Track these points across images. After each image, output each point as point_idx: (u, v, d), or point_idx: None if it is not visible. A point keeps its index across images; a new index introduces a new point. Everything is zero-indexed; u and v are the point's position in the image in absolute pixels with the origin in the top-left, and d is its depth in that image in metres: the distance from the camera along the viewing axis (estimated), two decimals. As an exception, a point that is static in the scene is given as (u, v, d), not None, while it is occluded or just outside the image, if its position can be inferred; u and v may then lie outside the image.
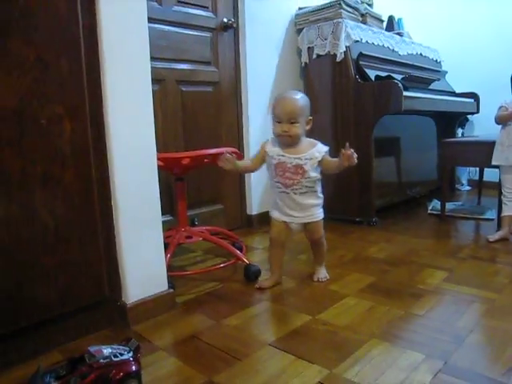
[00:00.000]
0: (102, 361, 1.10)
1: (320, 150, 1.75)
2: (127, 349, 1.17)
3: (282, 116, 1.70)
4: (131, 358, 1.15)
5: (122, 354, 1.14)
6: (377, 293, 1.74)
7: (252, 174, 2.78)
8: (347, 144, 1.66)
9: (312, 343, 1.37)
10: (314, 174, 1.74)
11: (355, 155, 1.65)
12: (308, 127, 1.76)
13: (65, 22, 1.26)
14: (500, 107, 2.53)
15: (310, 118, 1.77)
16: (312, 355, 1.29)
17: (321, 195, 1.83)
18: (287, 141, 1.72)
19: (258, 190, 2.85)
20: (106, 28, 1.35)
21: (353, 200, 2.86)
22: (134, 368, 1.13)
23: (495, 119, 2.52)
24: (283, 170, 1.73)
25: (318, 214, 1.83)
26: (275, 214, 1.84)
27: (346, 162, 1.66)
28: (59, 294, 1.32)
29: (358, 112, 2.75)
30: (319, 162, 1.73)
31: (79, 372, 1.08)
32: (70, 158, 1.29)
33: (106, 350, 1.13)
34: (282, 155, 1.73)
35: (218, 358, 1.30)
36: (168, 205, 2.28)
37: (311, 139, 1.79)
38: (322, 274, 1.92)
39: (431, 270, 1.97)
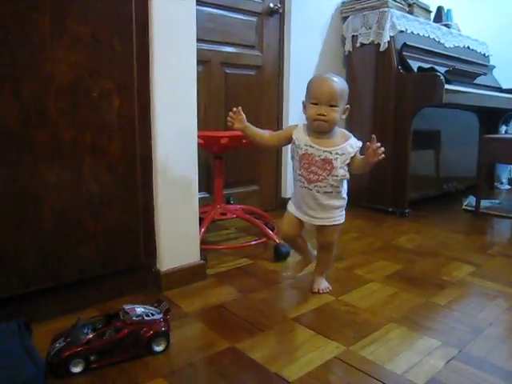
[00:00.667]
0: (134, 318, 1.21)
1: (353, 144, 1.50)
2: (158, 310, 1.27)
3: (320, 97, 1.45)
4: (161, 319, 1.25)
5: (153, 315, 1.24)
6: (401, 280, 1.78)
7: (288, 156, 2.82)
8: (373, 136, 1.43)
9: (332, 321, 1.43)
10: (343, 173, 1.49)
11: (382, 149, 1.42)
12: (344, 116, 1.52)
13: (118, 2, 1.34)
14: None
15: (348, 106, 1.52)
16: (331, 332, 1.35)
17: (345, 196, 1.57)
18: (322, 127, 1.46)
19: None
20: (156, 9, 1.44)
21: (387, 190, 2.88)
22: (163, 328, 1.23)
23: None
24: (309, 162, 1.49)
25: (340, 217, 1.58)
26: (292, 208, 1.62)
27: (371, 158, 1.43)
28: (100, 256, 1.43)
29: (398, 103, 2.75)
30: (351, 158, 1.49)
31: (114, 326, 1.19)
32: (116, 130, 1.39)
33: (139, 309, 1.23)
34: (311, 146, 1.48)
35: (241, 328, 1.38)
36: (205, 182, 2.37)
37: (344, 131, 1.55)
38: (323, 284, 1.68)
39: (458, 264, 1.99)
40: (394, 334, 1.36)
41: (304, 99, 1.52)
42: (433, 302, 1.60)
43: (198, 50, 1.63)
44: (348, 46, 2.98)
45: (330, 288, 1.66)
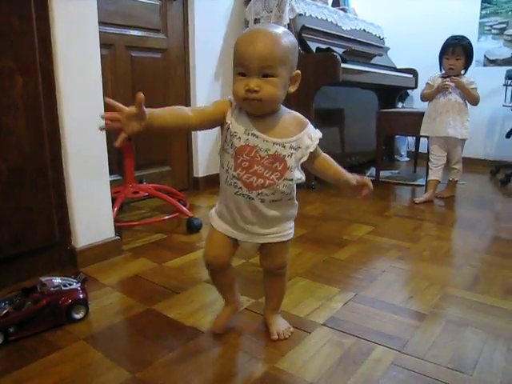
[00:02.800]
0: (52, 289, 1.25)
1: (313, 135, 1.08)
2: (75, 280, 1.32)
3: (248, 63, 0.96)
4: (79, 288, 1.29)
5: (70, 284, 1.29)
6: (306, 242, 1.94)
7: (198, 135, 2.91)
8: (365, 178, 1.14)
9: (241, 280, 1.54)
10: (299, 175, 1.08)
11: (370, 187, 1.13)
12: (293, 88, 1.06)
13: (14, -18, 1.35)
14: (426, 84, 2.76)
15: (298, 72, 1.04)
16: (241, 288, 1.46)
17: (296, 203, 1.16)
18: (255, 108, 1.01)
19: (204, 153, 2.97)
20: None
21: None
22: (81, 296, 1.28)
23: (420, 97, 2.77)
24: (251, 160, 1.02)
25: (288, 231, 1.17)
26: (219, 224, 1.15)
27: (358, 193, 1.14)
28: (13, 236, 1.44)
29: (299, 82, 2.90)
30: (310, 154, 1.08)
31: (32, 298, 1.22)
32: (22, 109, 1.40)
33: (56, 280, 1.28)
34: (253, 134, 1.02)
35: (157, 292, 1.46)
36: (116, 164, 2.38)
37: (297, 114, 1.11)
38: (281, 324, 1.24)
39: (358, 225, 2.19)
40: (299, 286, 1.50)
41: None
42: (334, 257, 1.76)
43: (102, 33, 1.66)
44: (251, 30, 3.09)
45: (291, 329, 1.24)
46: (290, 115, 1.08)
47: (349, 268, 1.67)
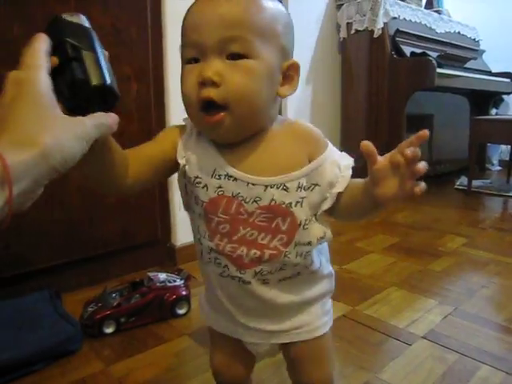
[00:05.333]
0: (158, 284, 1.32)
1: (339, 161, 0.65)
2: (179, 277, 1.39)
3: (200, 35, 0.58)
4: (182, 285, 1.36)
5: (174, 281, 1.36)
6: (399, 251, 1.91)
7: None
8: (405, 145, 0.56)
9: (337, 286, 1.55)
10: (320, 231, 0.66)
11: (422, 165, 0.53)
12: (289, 90, 0.66)
13: (134, -7, 1.44)
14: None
15: (295, 61, 0.67)
16: (337, 295, 1.46)
17: (327, 272, 0.75)
18: (221, 128, 0.59)
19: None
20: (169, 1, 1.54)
21: (382, 171, 3.00)
22: (184, 292, 1.35)
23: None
24: (233, 220, 0.63)
25: (321, 320, 0.75)
26: (214, 320, 0.76)
27: (399, 190, 0.54)
28: (119, 232, 1.54)
29: (392, 87, 2.86)
30: (339, 194, 0.64)
31: (139, 291, 1.30)
32: (134, 113, 1.49)
33: (162, 276, 1.35)
34: (229, 176, 0.63)
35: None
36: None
37: (303, 123, 0.68)
38: None
39: (452, 236, 2.12)
40: (395, 296, 1.49)
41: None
42: (429, 269, 1.72)
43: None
44: (343, 33, 3.08)
45: None
46: (289, 129, 0.66)
47: (445, 280, 1.62)
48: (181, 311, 1.34)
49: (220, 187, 0.63)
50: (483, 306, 1.43)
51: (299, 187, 0.62)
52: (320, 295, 0.74)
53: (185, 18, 0.62)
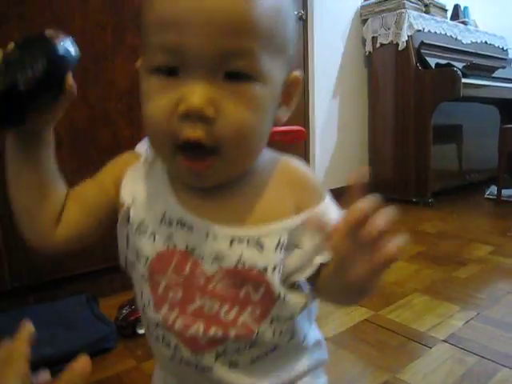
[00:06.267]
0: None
1: (327, 209, 0.48)
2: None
3: (183, 30, 0.39)
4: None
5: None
6: (425, 259, 1.93)
7: (315, 148, 2.98)
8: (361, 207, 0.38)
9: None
10: (302, 298, 0.48)
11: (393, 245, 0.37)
12: (287, 111, 0.50)
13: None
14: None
15: (297, 75, 0.49)
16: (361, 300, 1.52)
17: (313, 341, 0.55)
18: (205, 176, 0.44)
19: (321, 166, 3.06)
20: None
21: (410, 182, 3.02)
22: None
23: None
24: (187, 284, 0.47)
25: None
26: None
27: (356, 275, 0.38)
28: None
29: (417, 99, 2.89)
30: (321, 266, 0.46)
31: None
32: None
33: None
34: (182, 223, 0.47)
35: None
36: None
37: (294, 162, 0.52)
38: None
39: (479, 244, 2.12)
40: (418, 301, 1.52)
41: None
42: (454, 275, 1.74)
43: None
44: (368, 47, 3.13)
45: None
46: (278, 168, 0.50)
47: (469, 287, 1.64)
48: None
49: (170, 237, 0.47)
50: (508, 311, 1.45)
51: (278, 245, 0.45)
52: (307, 371, 0.54)
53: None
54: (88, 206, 0.52)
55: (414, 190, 3.00)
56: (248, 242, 0.45)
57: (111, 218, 0.52)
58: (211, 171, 0.43)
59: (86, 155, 1.41)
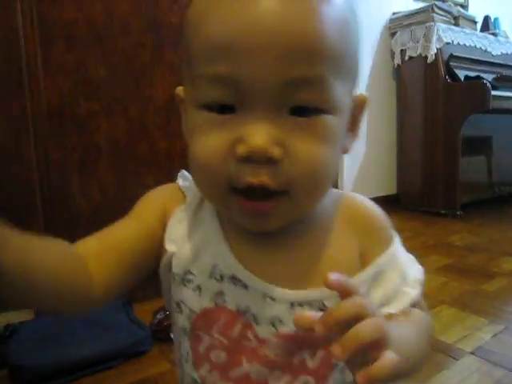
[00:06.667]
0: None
1: (407, 268, 0.47)
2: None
3: (232, 64, 0.34)
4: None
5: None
6: (452, 271, 1.93)
7: (344, 160, 3.00)
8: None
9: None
10: None
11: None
12: (354, 138, 0.45)
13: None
14: None
15: (364, 96, 0.45)
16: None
17: None
18: (267, 222, 0.39)
19: (350, 178, 3.07)
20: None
21: (438, 194, 3.01)
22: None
23: None
24: (235, 346, 0.43)
25: None
26: None
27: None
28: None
29: (446, 111, 2.89)
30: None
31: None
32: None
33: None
34: (236, 279, 0.42)
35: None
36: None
37: (364, 202, 0.48)
38: None
39: (508, 258, 2.11)
40: (446, 314, 1.53)
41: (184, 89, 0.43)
42: (482, 288, 1.74)
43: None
44: (397, 60, 3.16)
45: None
46: (343, 210, 0.46)
47: (498, 300, 1.64)
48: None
49: (221, 294, 0.42)
50: (537, 326, 1.45)
51: None
52: None
53: (199, 12, 0.37)
54: (128, 251, 0.43)
55: (443, 201, 3.00)
56: (310, 305, 0.41)
57: (153, 262, 0.46)
58: (276, 212, 0.38)
59: (125, 167, 1.48)
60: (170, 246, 0.44)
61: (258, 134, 0.34)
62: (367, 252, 0.44)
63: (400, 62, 3.14)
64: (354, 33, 0.40)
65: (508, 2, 4.13)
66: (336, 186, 2.19)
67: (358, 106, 0.44)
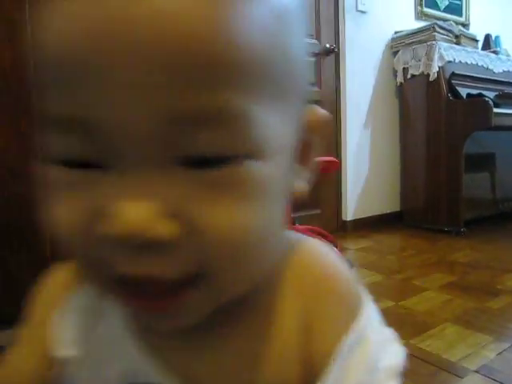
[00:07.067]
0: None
1: (379, 354, 0.30)
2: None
3: (86, 96, 0.21)
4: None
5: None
6: (456, 289, 1.93)
7: (348, 177, 3.01)
8: None
9: (392, 321, 1.57)
10: None
11: None
12: (309, 175, 0.32)
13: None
14: None
15: (318, 113, 0.31)
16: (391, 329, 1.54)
17: None
18: (172, 312, 0.26)
19: (353, 196, 3.08)
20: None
21: (442, 211, 3.02)
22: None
23: None
24: None
25: None
26: None
27: None
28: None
29: (448, 129, 2.92)
30: None
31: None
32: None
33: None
34: None
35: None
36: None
37: (319, 261, 0.33)
38: None
39: (512, 275, 2.12)
40: (450, 331, 1.53)
41: None
42: (486, 306, 1.74)
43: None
44: (399, 78, 3.19)
45: None
46: (288, 268, 0.32)
47: (503, 318, 1.64)
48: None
49: None
50: (542, 344, 1.45)
51: None
52: None
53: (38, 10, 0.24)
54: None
55: (446, 218, 3.00)
56: None
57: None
58: (187, 306, 0.26)
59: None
60: (60, 352, 0.32)
61: (133, 206, 0.22)
62: (316, 352, 0.30)
63: (402, 81, 3.18)
64: (293, 31, 0.27)
65: (509, 21, 4.19)
66: (339, 205, 2.16)
67: (312, 128, 0.31)
